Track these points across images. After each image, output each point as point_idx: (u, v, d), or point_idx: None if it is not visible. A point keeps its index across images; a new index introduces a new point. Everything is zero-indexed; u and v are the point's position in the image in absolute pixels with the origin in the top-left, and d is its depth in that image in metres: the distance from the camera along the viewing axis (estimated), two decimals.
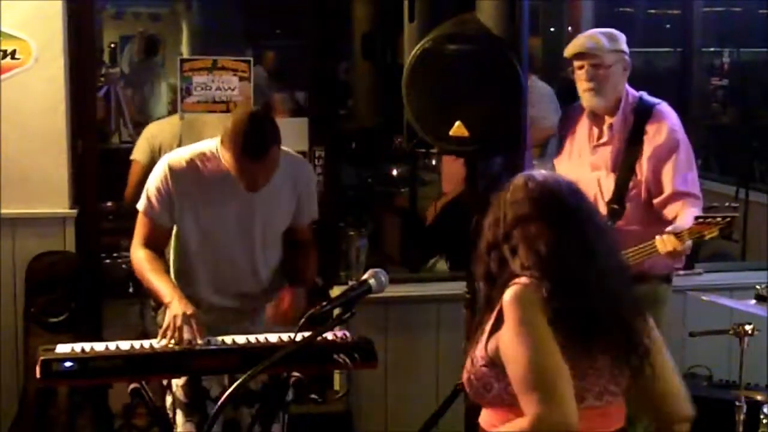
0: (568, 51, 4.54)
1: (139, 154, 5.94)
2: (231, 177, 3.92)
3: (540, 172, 2.93)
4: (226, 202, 4.00)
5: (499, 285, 2.84)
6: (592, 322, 2.76)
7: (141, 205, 4.06)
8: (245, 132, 3.79)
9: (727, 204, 4.27)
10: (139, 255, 4.02)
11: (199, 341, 3.70)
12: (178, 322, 3.71)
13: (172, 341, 3.70)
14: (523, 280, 2.78)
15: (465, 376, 2.91)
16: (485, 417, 2.92)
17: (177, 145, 4.55)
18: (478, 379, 2.85)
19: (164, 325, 3.78)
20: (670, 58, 10.19)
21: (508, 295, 2.76)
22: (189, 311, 3.77)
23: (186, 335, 3.69)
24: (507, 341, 2.74)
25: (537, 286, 2.75)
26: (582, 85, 4.51)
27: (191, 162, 4.01)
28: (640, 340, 2.82)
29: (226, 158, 3.88)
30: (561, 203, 2.85)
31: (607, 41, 4.47)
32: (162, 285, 3.92)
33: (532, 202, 2.84)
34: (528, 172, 2.94)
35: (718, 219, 4.16)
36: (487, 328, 2.84)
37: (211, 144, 4.04)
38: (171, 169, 4.00)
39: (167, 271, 4.04)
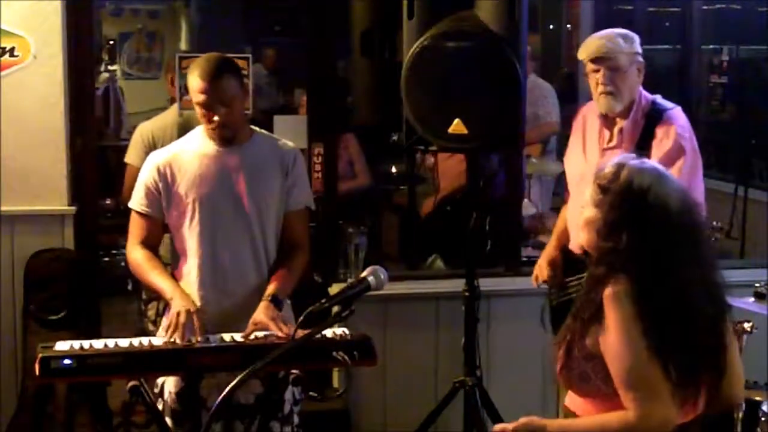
0: (584, 53, 4.41)
1: (133, 157, 5.82)
2: (217, 155, 4.02)
3: (665, 185, 2.94)
4: (215, 181, 4.02)
5: (599, 279, 2.93)
6: (684, 333, 2.87)
7: (132, 203, 4.10)
8: (198, 62, 3.98)
9: (714, 222, 4.23)
10: (136, 255, 4.04)
11: (198, 338, 3.70)
12: (182, 318, 3.72)
13: (175, 338, 3.70)
14: (621, 278, 2.87)
15: (558, 365, 3.04)
16: (579, 404, 3.07)
17: (173, 139, 4.53)
18: (573, 370, 2.99)
19: (167, 322, 3.79)
20: (669, 55, 10.20)
21: (609, 293, 2.88)
22: (191, 307, 3.79)
23: (188, 332, 3.70)
24: (609, 341, 2.88)
25: (631, 291, 2.86)
26: (598, 88, 4.38)
27: (176, 153, 4.08)
28: (725, 342, 2.98)
29: (195, 104, 3.99)
30: (675, 230, 2.90)
31: (623, 43, 4.35)
32: (163, 282, 3.94)
33: (648, 230, 2.88)
34: (653, 180, 2.93)
35: None
36: (585, 320, 2.95)
37: (194, 131, 4.13)
38: (156, 165, 4.06)
39: (165, 269, 4.04)
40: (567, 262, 4.61)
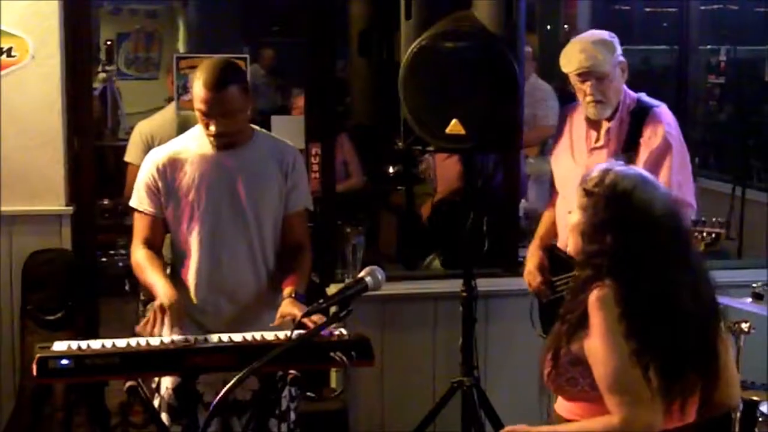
0: (569, 67, 4.41)
1: (133, 156, 5.84)
2: (216, 156, 4.00)
3: (648, 189, 2.97)
4: (214, 182, 4.01)
5: (585, 281, 2.95)
6: (668, 336, 2.89)
7: (133, 202, 4.10)
8: (205, 68, 3.92)
9: (714, 219, 4.25)
10: (137, 256, 4.04)
11: (167, 331, 3.68)
12: (158, 314, 3.71)
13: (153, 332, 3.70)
14: (607, 282, 2.90)
15: (546, 370, 3.06)
16: (567, 408, 3.09)
17: (172, 136, 4.53)
18: (561, 375, 3.01)
19: (148, 316, 3.77)
20: (667, 55, 10.20)
21: (593, 298, 2.90)
22: (167, 302, 3.76)
23: (164, 326, 3.69)
24: (592, 345, 2.90)
25: (615, 293, 2.87)
26: (586, 98, 4.40)
27: (175, 152, 4.07)
28: (716, 346, 2.99)
29: (197, 109, 3.94)
30: (660, 233, 2.92)
31: (606, 52, 4.35)
32: (155, 280, 3.92)
33: (632, 232, 2.91)
34: (640, 186, 2.96)
35: (704, 234, 4.16)
36: (571, 326, 2.97)
37: (194, 129, 4.10)
38: (155, 164, 4.05)
39: (164, 268, 4.03)
40: (553, 260, 4.63)
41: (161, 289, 3.86)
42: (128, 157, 5.90)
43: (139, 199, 4.07)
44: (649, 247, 2.89)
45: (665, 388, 2.86)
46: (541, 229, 4.80)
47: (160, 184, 4.02)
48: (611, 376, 2.86)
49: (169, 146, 4.13)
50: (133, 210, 4.12)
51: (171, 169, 4.03)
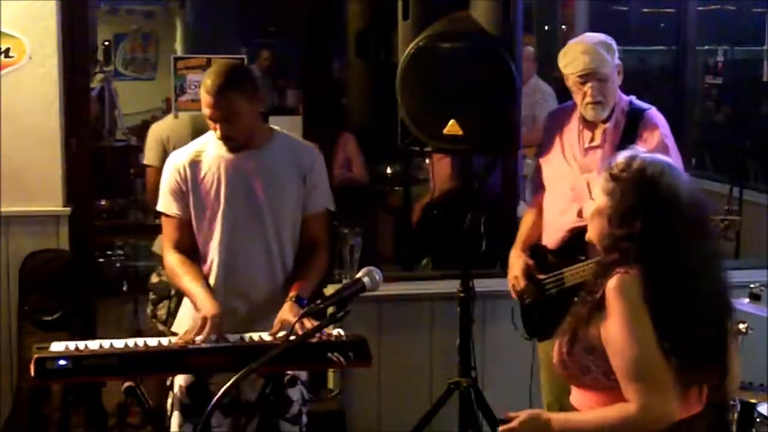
0: (571, 68, 4.38)
1: (151, 158, 5.83)
2: (234, 159, 4.00)
3: (675, 176, 2.97)
4: (232, 185, 4.00)
5: (610, 264, 2.95)
6: (690, 325, 2.89)
7: (160, 207, 4.10)
8: (209, 73, 3.95)
9: (726, 207, 4.28)
10: (170, 261, 4.04)
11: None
12: (206, 324, 3.73)
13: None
14: (631, 270, 2.89)
15: (557, 357, 3.05)
16: (579, 397, 3.08)
17: (189, 139, 4.52)
18: (574, 362, 3.00)
19: (191, 326, 3.80)
20: (664, 56, 10.20)
21: (613, 284, 2.89)
22: (211, 313, 3.77)
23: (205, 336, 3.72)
24: (612, 331, 2.89)
25: (639, 279, 2.87)
26: (585, 99, 4.38)
27: (195, 155, 4.06)
28: (728, 339, 3.01)
29: (204, 114, 3.98)
30: (686, 220, 2.93)
31: (607, 54, 4.35)
32: (195, 290, 3.93)
33: (661, 217, 2.91)
34: (667, 173, 2.96)
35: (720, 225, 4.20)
36: (588, 312, 2.96)
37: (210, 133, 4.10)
38: (177, 167, 4.05)
39: (201, 275, 4.01)
40: (538, 260, 4.62)
41: (202, 301, 3.86)
42: (147, 160, 5.90)
43: (165, 203, 4.07)
44: (676, 233, 2.90)
45: (684, 376, 2.87)
46: (523, 232, 4.74)
47: (183, 187, 4.03)
48: (630, 362, 2.86)
49: (190, 148, 4.12)
50: (161, 214, 4.12)
51: (192, 171, 4.03)
